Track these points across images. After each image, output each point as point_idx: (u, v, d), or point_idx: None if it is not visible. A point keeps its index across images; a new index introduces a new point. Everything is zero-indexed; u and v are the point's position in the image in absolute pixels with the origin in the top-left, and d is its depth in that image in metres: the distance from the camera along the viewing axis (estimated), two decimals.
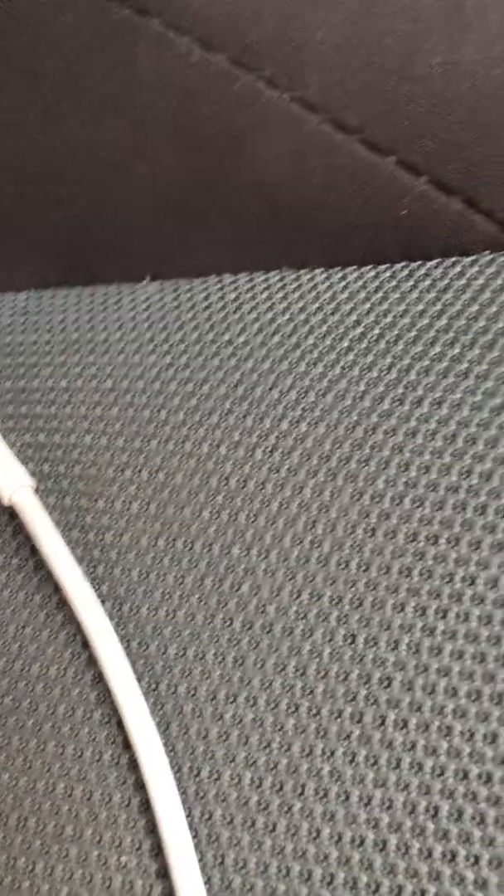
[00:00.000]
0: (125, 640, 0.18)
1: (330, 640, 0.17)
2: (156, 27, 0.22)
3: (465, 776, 0.16)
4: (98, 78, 0.22)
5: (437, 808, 0.16)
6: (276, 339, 0.20)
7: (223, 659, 0.18)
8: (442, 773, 0.16)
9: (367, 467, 0.18)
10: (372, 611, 0.17)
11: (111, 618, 0.18)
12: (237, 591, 0.18)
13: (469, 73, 0.20)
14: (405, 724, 0.17)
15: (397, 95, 0.20)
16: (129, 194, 0.23)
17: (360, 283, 0.21)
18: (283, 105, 0.21)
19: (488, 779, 0.16)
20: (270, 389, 0.20)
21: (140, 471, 0.19)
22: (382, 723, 0.17)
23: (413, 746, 0.16)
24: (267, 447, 0.19)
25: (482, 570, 0.17)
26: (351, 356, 0.20)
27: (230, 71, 0.21)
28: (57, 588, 0.19)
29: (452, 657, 0.17)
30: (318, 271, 0.22)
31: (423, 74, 0.20)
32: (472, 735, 0.16)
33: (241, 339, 0.21)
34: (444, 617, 0.17)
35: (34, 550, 0.19)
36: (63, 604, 0.18)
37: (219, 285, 0.22)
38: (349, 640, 0.17)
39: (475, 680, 0.17)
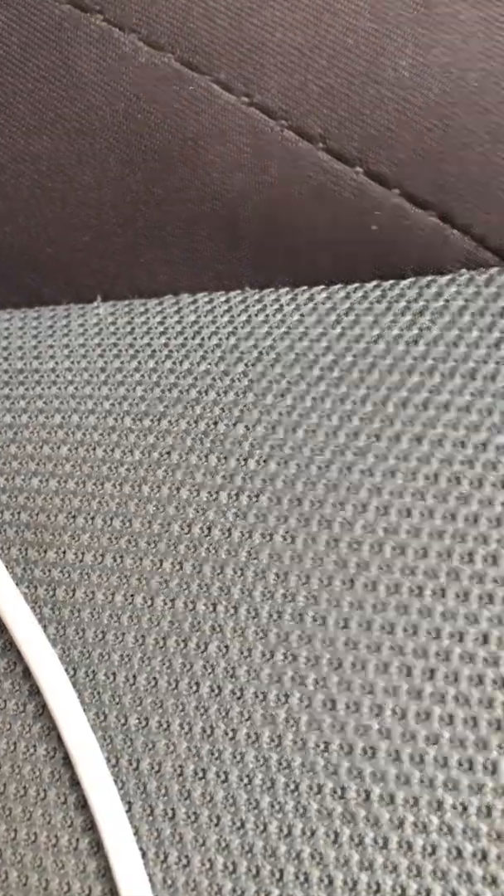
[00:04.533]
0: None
1: (307, 706, 0.16)
2: (98, 24, 0.20)
3: (459, 854, 0.15)
4: (34, 81, 0.20)
5: (429, 892, 0.15)
6: (240, 367, 0.19)
7: (190, 729, 0.16)
8: (433, 853, 0.15)
9: (342, 511, 0.17)
10: (353, 672, 0.16)
11: None
12: (203, 652, 0.16)
13: (440, 76, 0.19)
14: (392, 798, 0.15)
15: (363, 100, 0.19)
16: (73, 208, 0.21)
17: (329, 304, 0.20)
18: (239, 110, 0.19)
19: (483, 857, 0.15)
20: (235, 424, 0.18)
21: (94, 517, 0.18)
22: (367, 798, 0.15)
23: (401, 824, 0.15)
24: (232, 490, 0.17)
25: (471, 625, 0.16)
26: (322, 386, 0.18)
27: (181, 72, 0.19)
28: (11, 644, 0.17)
29: (442, 722, 0.15)
30: (283, 291, 0.20)
31: (390, 78, 0.19)
32: (465, 809, 0.15)
33: (202, 367, 0.19)
34: (431, 678, 0.16)
35: None
36: (18, 663, 0.17)
37: (176, 307, 0.20)
38: (329, 706, 0.16)
39: (467, 748, 0.15)
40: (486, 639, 0.16)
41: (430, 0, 0.19)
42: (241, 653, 0.16)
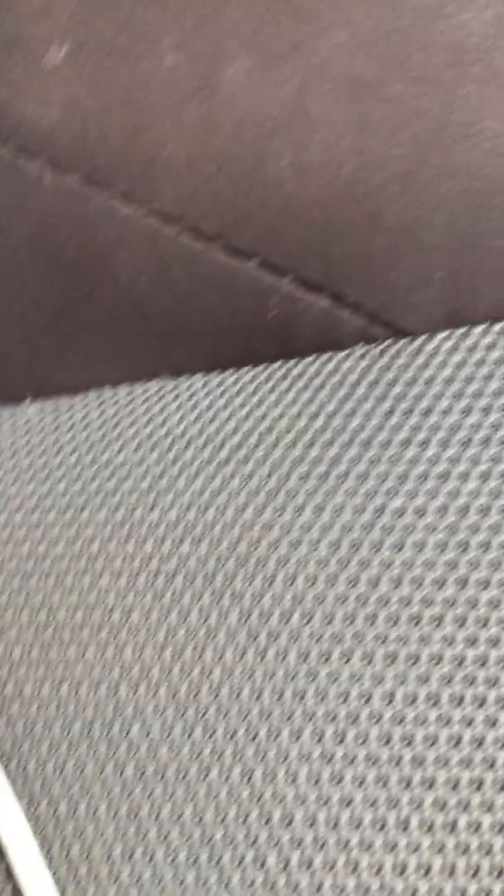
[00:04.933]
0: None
1: (227, 780, 0.15)
2: (6, 154, 0.20)
3: None
4: None
5: None
6: (154, 455, 0.19)
7: (116, 812, 0.15)
8: None
9: (251, 585, 0.17)
10: (268, 742, 0.15)
11: None
12: (127, 735, 0.16)
13: (318, 172, 0.19)
14: (310, 863, 0.14)
15: (251, 200, 0.19)
16: None
17: (237, 386, 0.20)
18: (140, 219, 0.20)
19: None
20: (151, 510, 0.18)
21: (21, 611, 0.17)
22: (286, 865, 0.15)
23: (319, 888, 0.14)
24: (150, 573, 0.17)
25: (377, 686, 0.15)
26: (230, 466, 0.18)
27: (83, 191, 0.20)
28: None
29: (354, 784, 0.15)
30: (197, 377, 0.20)
31: (273, 178, 0.19)
32: (380, 868, 0.14)
33: (120, 458, 0.19)
34: (342, 741, 0.15)
35: None
36: None
37: (98, 401, 0.20)
38: (246, 778, 0.15)
39: (378, 807, 0.15)
40: (391, 697, 0.15)
41: (304, 103, 0.19)
42: (163, 732, 0.16)
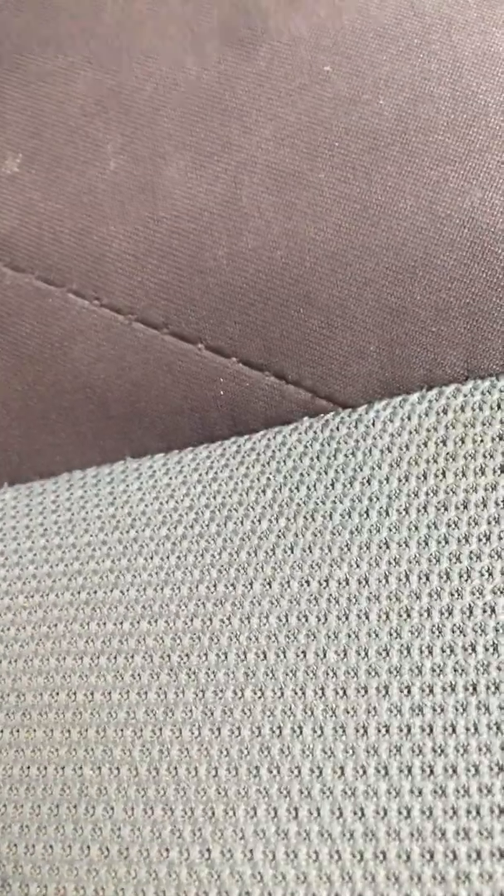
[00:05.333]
0: None
1: (187, 858, 0.15)
2: None
3: None
4: None
5: None
6: (116, 535, 0.18)
7: (83, 892, 0.15)
8: None
9: (206, 661, 0.16)
10: (224, 820, 0.15)
11: None
12: (91, 815, 0.15)
13: (252, 259, 0.19)
14: None
15: (192, 289, 0.19)
16: None
17: (193, 464, 0.19)
18: (94, 312, 0.20)
19: None
20: (112, 590, 0.17)
21: None
22: None
23: None
24: (111, 653, 0.17)
25: (327, 760, 0.15)
26: (185, 544, 0.18)
27: (40, 288, 0.20)
28: None
29: (308, 860, 0.14)
30: (158, 457, 0.20)
31: (211, 267, 0.19)
32: None
33: (84, 539, 0.18)
34: (296, 817, 0.14)
35: None
36: None
37: (68, 484, 0.20)
38: (206, 856, 0.14)
39: (334, 882, 0.14)
40: (342, 771, 0.14)
41: (236, 195, 0.19)
42: (126, 812, 0.15)
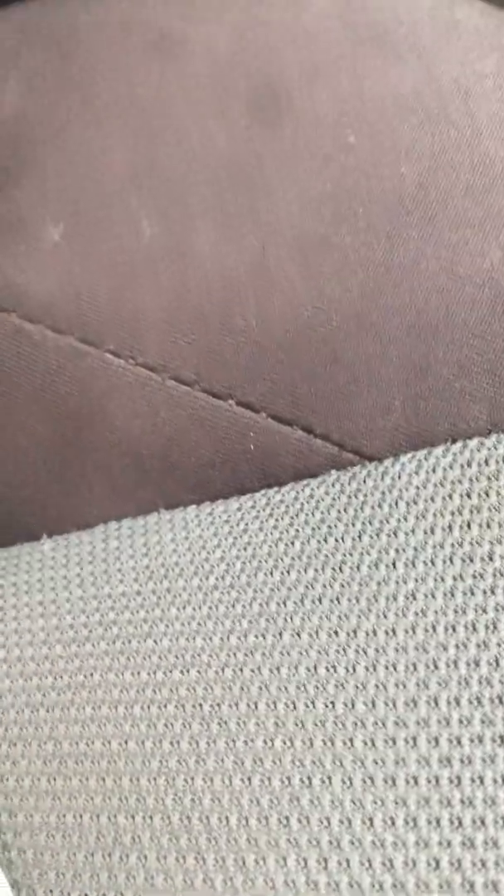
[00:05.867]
0: None
1: None
2: (13, 321, 0.21)
3: None
4: None
5: None
6: (150, 585, 0.19)
7: None
8: None
9: (237, 710, 0.16)
10: (255, 870, 0.15)
11: None
12: (125, 863, 0.15)
13: (280, 320, 0.19)
14: None
15: (223, 348, 0.20)
16: (13, 465, 0.22)
17: (224, 516, 0.20)
18: (129, 371, 0.20)
19: None
20: (145, 639, 0.18)
21: (30, 743, 0.17)
22: None
23: None
24: (144, 702, 0.17)
25: (357, 811, 0.15)
26: (217, 594, 0.18)
27: (79, 348, 0.21)
28: None
29: None
30: (190, 509, 0.20)
31: (241, 327, 0.20)
32: None
33: (120, 589, 0.19)
34: (325, 868, 0.14)
35: None
36: None
37: (103, 535, 0.21)
38: None
39: None
40: (371, 822, 0.15)
41: (264, 261, 0.20)
42: (158, 860, 0.15)
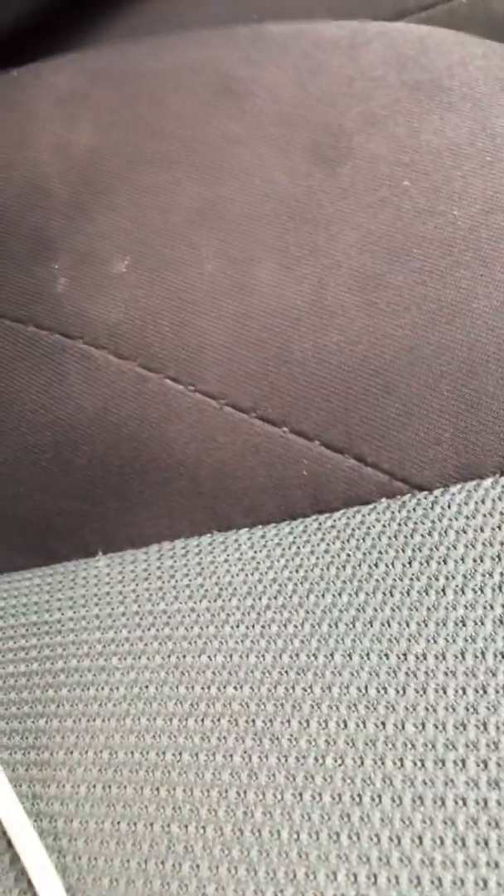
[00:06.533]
0: None
1: None
2: (79, 346, 0.22)
3: None
4: (32, 395, 0.22)
5: None
6: (204, 603, 0.19)
7: None
8: None
9: (289, 728, 0.17)
10: (306, 883, 0.15)
11: None
12: (178, 871, 0.16)
13: (336, 352, 0.20)
14: None
15: (280, 377, 0.20)
16: (73, 482, 0.22)
17: (276, 539, 0.20)
18: (188, 396, 0.21)
19: None
20: (200, 655, 0.18)
21: (87, 751, 0.18)
22: None
23: None
24: (198, 715, 0.17)
25: (406, 829, 0.15)
26: (269, 614, 0.19)
27: (141, 374, 0.22)
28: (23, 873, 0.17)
29: None
30: (242, 532, 0.21)
31: (298, 358, 0.20)
32: None
33: (174, 606, 0.20)
34: (374, 883, 0.15)
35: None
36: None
37: (158, 554, 0.21)
38: None
39: None
40: (420, 840, 0.15)
41: (321, 296, 0.20)
42: (211, 870, 0.16)
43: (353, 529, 0.19)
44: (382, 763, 0.16)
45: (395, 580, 0.18)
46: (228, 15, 0.31)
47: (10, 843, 0.17)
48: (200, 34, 0.25)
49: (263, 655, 0.18)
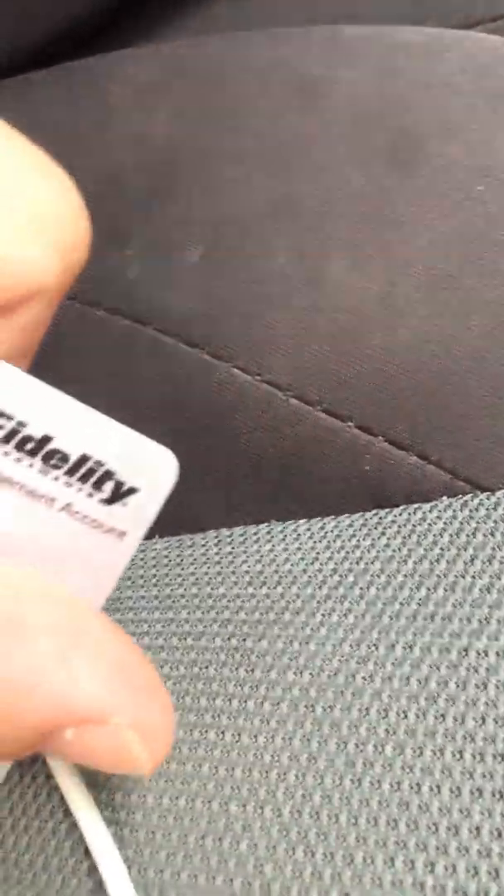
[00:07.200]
0: None
1: None
2: (149, 332, 0.23)
3: None
4: (100, 378, 0.22)
5: None
6: (264, 590, 0.20)
7: None
8: None
9: (349, 715, 0.17)
10: (363, 867, 0.15)
11: None
12: (235, 849, 0.16)
13: (405, 351, 0.20)
14: None
15: (348, 373, 0.21)
16: None
17: (336, 531, 0.20)
18: (255, 386, 0.21)
19: None
20: (260, 640, 0.19)
21: None
22: None
23: None
24: (257, 698, 0.18)
25: (465, 819, 0.15)
26: (329, 603, 0.19)
27: (209, 362, 0.22)
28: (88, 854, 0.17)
29: None
30: (300, 522, 0.21)
31: (366, 355, 0.20)
32: None
33: (234, 591, 0.20)
34: (432, 871, 0.15)
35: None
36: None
37: (216, 540, 0.22)
38: None
39: None
40: (478, 832, 0.15)
41: (392, 294, 0.21)
42: (268, 850, 0.16)
43: (413, 526, 0.19)
44: (441, 754, 0.16)
45: (456, 577, 0.18)
46: (300, 18, 0.31)
47: (67, 812, 0.17)
48: (278, 32, 0.25)
49: (323, 643, 0.18)
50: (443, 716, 0.16)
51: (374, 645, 0.18)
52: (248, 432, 0.21)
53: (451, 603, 0.18)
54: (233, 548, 0.21)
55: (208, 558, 0.21)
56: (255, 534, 0.21)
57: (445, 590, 0.18)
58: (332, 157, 0.23)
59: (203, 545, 0.22)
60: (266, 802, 0.16)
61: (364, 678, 0.17)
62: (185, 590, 0.20)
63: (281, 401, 0.21)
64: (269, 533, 0.21)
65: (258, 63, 0.25)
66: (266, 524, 0.22)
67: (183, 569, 0.21)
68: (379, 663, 0.17)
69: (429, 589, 0.18)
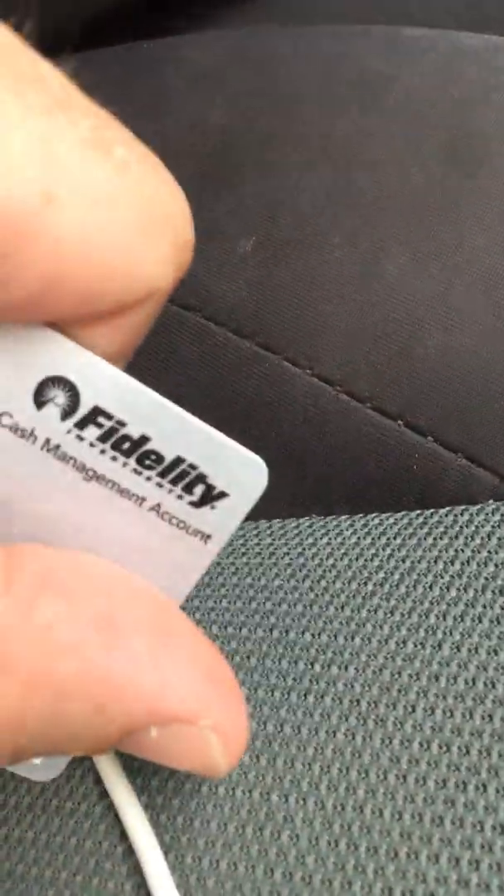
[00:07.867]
0: None
1: (368, 894, 0.15)
2: (197, 320, 0.23)
3: None
4: (144, 362, 0.23)
5: None
6: (307, 583, 0.20)
7: None
8: None
9: (394, 711, 0.17)
10: (407, 862, 0.15)
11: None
12: (277, 840, 0.16)
13: (461, 352, 0.20)
14: None
15: (400, 372, 0.21)
16: None
17: (380, 529, 0.21)
18: (304, 380, 0.22)
19: None
20: (303, 632, 0.19)
21: None
22: None
23: None
24: (301, 690, 0.18)
25: None
26: (375, 599, 0.19)
27: (259, 353, 0.22)
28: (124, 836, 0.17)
29: None
30: (343, 518, 0.21)
31: (421, 354, 0.21)
32: None
33: (276, 583, 0.20)
34: (476, 869, 0.15)
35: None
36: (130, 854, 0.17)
37: (255, 531, 0.22)
38: (387, 894, 0.15)
39: None
40: None
41: (449, 295, 0.21)
42: (310, 842, 0.16)
43: (461, 527, 0.20)
44: (489, 754, 0.16)
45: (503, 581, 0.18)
46: (356, 20, 0.31)
47: (102, 794, 0.17)
48: (339, 28, 0.25)
49: (369, 639, 0.18)
50: (490, 716, 0.16)
51: (421, 643, 0.18)
52: (296, 425, 0.22)
53: (499, 605, 0.18)
54: (273, 539, 0.21)
55: (247, 549, 0.21)
56: (297, 527, 0.21)
57: (493, 592, 0.18)
58: (390, 152, 0.23)
59: (242, 536, 0.22)
60: (309, 794, 0.16)
61: (410, 676, 0.17)
62: (224, 579, 0.20)
63: (330, 395, 0.21)
64: (310, 526, 0.21)
65: (319, 56, 0.25)
66: (307, 518, 0.22)
67: (223, 558, 0.21)
68: (425, 661, 0.17)
69: (476, 591, 0.18)
